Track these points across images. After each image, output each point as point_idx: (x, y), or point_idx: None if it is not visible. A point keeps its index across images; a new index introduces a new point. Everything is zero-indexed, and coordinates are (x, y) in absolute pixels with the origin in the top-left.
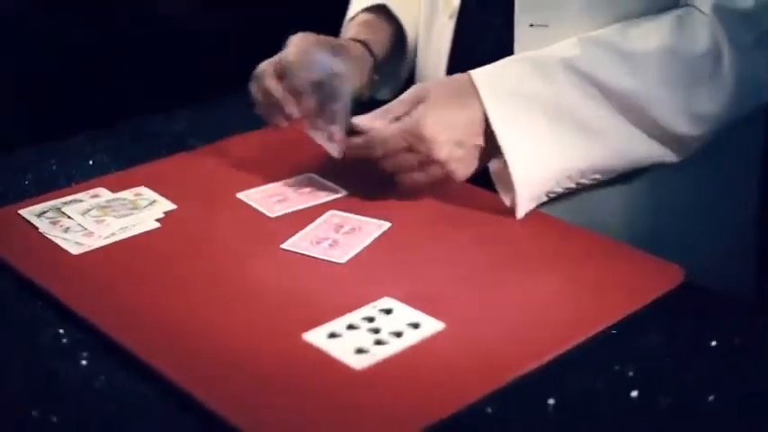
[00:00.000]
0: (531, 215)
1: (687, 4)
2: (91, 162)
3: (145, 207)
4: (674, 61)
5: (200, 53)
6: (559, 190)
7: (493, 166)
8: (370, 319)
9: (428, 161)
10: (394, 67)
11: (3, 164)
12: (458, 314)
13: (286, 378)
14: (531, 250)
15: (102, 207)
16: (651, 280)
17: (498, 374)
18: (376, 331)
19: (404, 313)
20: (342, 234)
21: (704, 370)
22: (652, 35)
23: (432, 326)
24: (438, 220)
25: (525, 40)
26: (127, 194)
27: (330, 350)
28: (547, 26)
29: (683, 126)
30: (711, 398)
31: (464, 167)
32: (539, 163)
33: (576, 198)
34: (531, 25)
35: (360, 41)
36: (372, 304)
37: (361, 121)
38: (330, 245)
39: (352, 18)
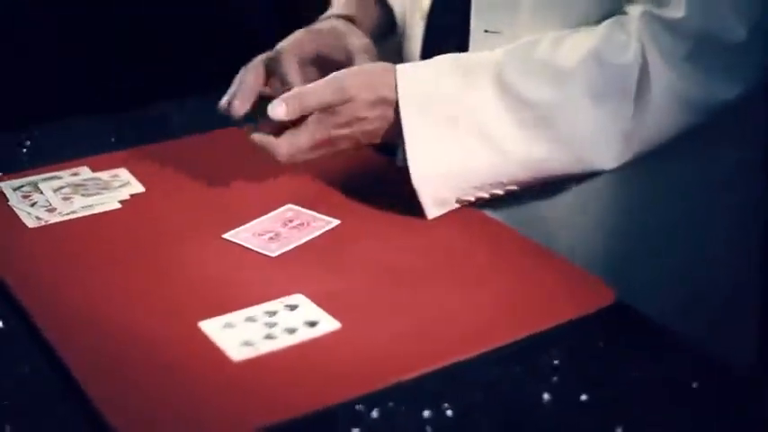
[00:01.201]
0: (483, 222)
1: (619, 13)
2: (113, 139)
3: (116, 188)
4: (598, 73)
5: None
6: (471, 198)
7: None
8: (272, 314)
9: (342, 101)
10: (388, 48)
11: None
12: (362, 315)
13: (163, 363)
14: (466, 257)
15: (75, 185)
16: (577, 297)
17: (375, 378)
18: (271, 326)
19: (306, 311)
20: (288, 228)
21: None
22: (581, 45)
23: (328, 325)
24: (391, 223)
25: (479, 46)
26: (103, 175)
27: (218, 340)
28: (500, 33)
29: (602, 142)
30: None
31: (373, 120)
32: (439, 165)
33: (530, 206)
34: (486, 31)
35: (349, 18)
36: (281, 299)
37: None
38: (271, 238)
39: None
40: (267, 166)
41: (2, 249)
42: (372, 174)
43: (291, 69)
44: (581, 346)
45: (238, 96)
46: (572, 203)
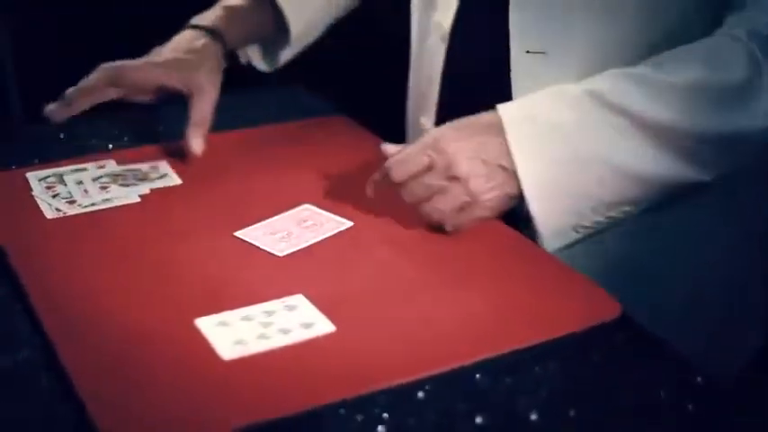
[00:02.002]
0: (496, 230)
1: (721, 34)
2: (161, 127)
3: (152, 179)
4: (709, 90)
5: None
6: (587, 224)
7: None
8: (270, 313)
9: (449, 178)
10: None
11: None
12: (359, 319)
13: (154, 359)
14: (474, 265)
15: (114, 175)
16: (582, 309)
17: (362, 383)
18: (266, 326)
19: (303, 312)
20: (300, 228)
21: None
22: (685, 66)
23: (322, 327)
24: (405, 227)
25: (522, 67)
26: (143, 166)
27: (211, 338)
28: (544, 53)
29: (716, 153)
30: None
31: (488, 190)
32: (559, 193)
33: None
34: (528, 52)
35: (205, 28)
36: (282, 299)
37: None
38: (282, 237)
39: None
40: (299, 165)
41: (17, 238)
42: None
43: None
44: (578, 360)
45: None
46: None
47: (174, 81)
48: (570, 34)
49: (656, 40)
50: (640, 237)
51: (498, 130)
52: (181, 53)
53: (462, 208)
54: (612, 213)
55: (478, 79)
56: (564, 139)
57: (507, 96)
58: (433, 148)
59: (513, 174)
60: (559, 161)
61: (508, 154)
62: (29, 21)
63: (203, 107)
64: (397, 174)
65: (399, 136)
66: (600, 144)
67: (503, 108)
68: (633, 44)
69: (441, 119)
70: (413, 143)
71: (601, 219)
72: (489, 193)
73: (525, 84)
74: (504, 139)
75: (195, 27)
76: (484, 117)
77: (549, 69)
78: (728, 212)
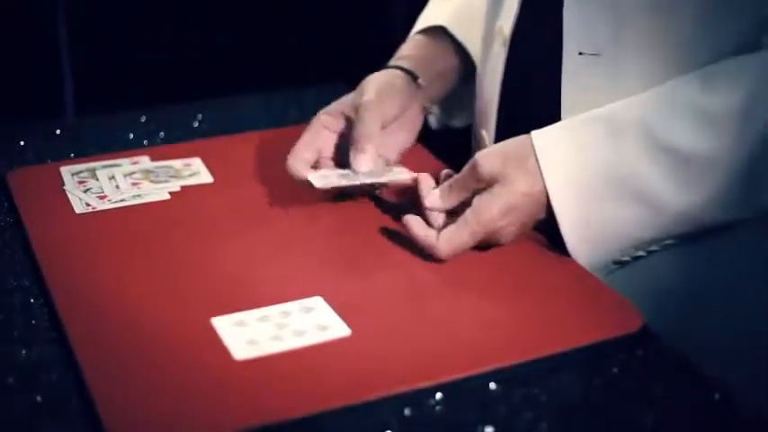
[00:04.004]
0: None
1: None
2: (197, 125)
3: (185, 177)
4: (759, 118)
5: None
6: (627, 258)
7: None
8: (287, 315)
9: (493, 242)
10: (467, 90)
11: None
12: (376, 324)
13: (167, 357)
14: (496, 271)
15: (146, 171)
16: (603, 320)
17: (372, 388)
18: (282, 327)
19: (320, 314)
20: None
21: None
22: (735, 88)
23: (338, 331)
24: None
25: (574, 69)
26: (176, 163)
27: (226, 337)
28: (597, 55)
29: (759, 188)
30: None
31: (520, 236)
32: (597, 235)
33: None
34: (581, 53)
35: (391, 66)
36: (300, 301)
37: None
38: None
39: (408, 40)
40: None
41: (45, 232)
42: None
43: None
44: (593, 372)
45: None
46: None
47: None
48: (624, 36)
49: (718, 47)
50: (692, 263)
51: (537, 176)
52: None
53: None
54: (654, 248)
55: (534, 84)
56: (605, 181)
57: (558, 100)
58: (481, 226)
59: (546, 219)
60: (599, 202)
61: (547, 207)
62: (87, 16)
63: (360, 126)
64: (444, 254)
65: (461, 142)
66: (640, 183)
67: (540, 148)
68: (692, 50)
69: (499, 129)
70: (456, 188)
71: (641, 253)
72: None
73: (576, 86)
74: (546, 195)
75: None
76: (523, 159)
77: (602, 72)
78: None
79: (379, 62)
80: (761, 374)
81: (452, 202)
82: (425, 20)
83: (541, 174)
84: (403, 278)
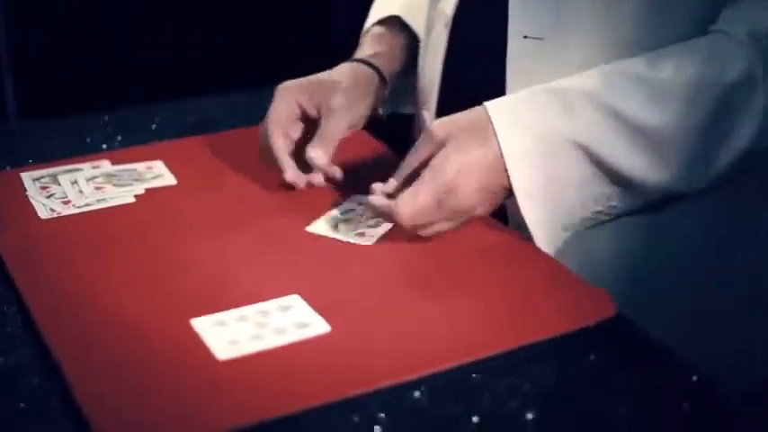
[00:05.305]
0: (491, 227)
1: (718, 30)
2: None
3: (148, 179)
4: (704, 93)
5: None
6: (576, 222)
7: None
8: (265, 314)
9: (455, 212)
10: (414, 78)
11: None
12: (355, 320)
13: (149, 359)
14: (469, 263)
15: (108, 175)
16: (577, 309)
17: (355, 384)
18: (262, 326)
19: (298, 312)
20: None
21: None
22: (681, 66)
23: (317, 328)
24: (400, 229)
25: (518, 52)
26: (138, 166)
27: (207, 338)
28: (541, 39)
29: (706, 160)
30: None
31: (489, 207)
32: (550, 197)
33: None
34: (525, 37)
35: (363, 61)
36: (277, 299)
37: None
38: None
39: (367, 32)
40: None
41: (12, 239)
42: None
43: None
44: (573, 359)
45: (288, 170)
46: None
47: (305, 103)
48: (568, 20)
49: (661, 34)
50: (638, 235)
51: (494, 141)
52: (320, 76)
53: (461, 224)
54: (600, 208)
55: (477, 66)
56: (557, 147)
57: (502, 83)
58: (439, 185)
59: (509, 187)
60: (552, 166)
61: (506, 171)
62: (24, 19)
63: (328, 126)
64: (405, 217)
65: (404, 129)
66: (592, 145)
67: (495, 115)
68: (635, 35)
69: (441, 111)
70: (411, 162)
71: (589, 215)
72: (490, 209)
73: (520, 70)
74: (502, 156)
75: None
76: (479, 126)
77: (546, 56)
78: (729, 214)
79: (333, 61)
80: (719, 344)
81: (408, 169)
82: (382, 9)
83: (496, 136)
84: (377, 274)
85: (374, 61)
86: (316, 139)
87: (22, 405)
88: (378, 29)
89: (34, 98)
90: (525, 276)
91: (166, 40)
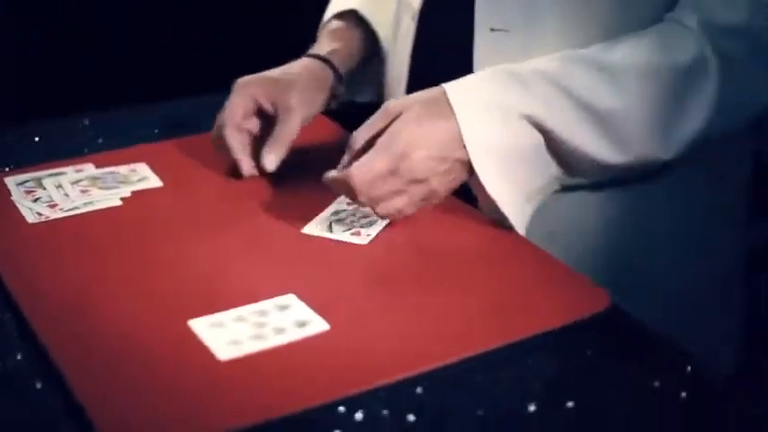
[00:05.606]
0: (481, 222)
1: (671, 19)
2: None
3: (133, 182)
4: (656, 78)
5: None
6: (535, 190)
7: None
8: (263, 313)
9: (410, 182)
10: (372, 69)
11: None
12: (352, 317)
13: (150, 360)
14: (461, 259)
15: (93, 178)
16: (571, 302)
17: (360, 380)
18: (261, 326)
19: (296, 311)
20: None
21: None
22: (634, 52)
23: (317, 326)
24: (390, 225)
25: (485, 45)
26: (122, 169)
27: (206, 339)
28: (507, 31)
29: (658, 144)
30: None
31: (447, 183)
32: (510, 172)
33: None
34: (492, 29)
35: (319, 57)
36: (273, 299)
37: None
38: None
39: (324, 26)
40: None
41: (1, 243)
42: None
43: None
44: (571, 352)
45: (243, 161)
46: (572, 209)
47: (261, 99)
48: (534, 13)
49: (627, 26)
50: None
51: (452, 118)
52: (277, 73)
53: (420, 201)
54: (556, 179)
55: (444, 58)
56: (511, 118)
57: (468, 73)
58: (393, 152)
59: (468, 162)
60: (507, 136)
61: (462, 145)
62: (24, 19)
63: (284, 126)
64: (359, 183)
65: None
66: (544, 119)
67: (453, 93)
68: (599, 28)
69: None
70: (362, 133)
71: (548, 184)
72: (448, 185)
73: (487, 62)
74: (458, 127)
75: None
76: (436, 104)
77: (513, 48)
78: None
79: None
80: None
81: (361, 141)
82: (341, 3)
83: (451, 107)
84: (372, 272)
85: (331, 57)
86: (271, 140)
87: (21, 410)
88: (335, 23)
89: (34, 98)
90: (519, 271)
91: (166, 40)
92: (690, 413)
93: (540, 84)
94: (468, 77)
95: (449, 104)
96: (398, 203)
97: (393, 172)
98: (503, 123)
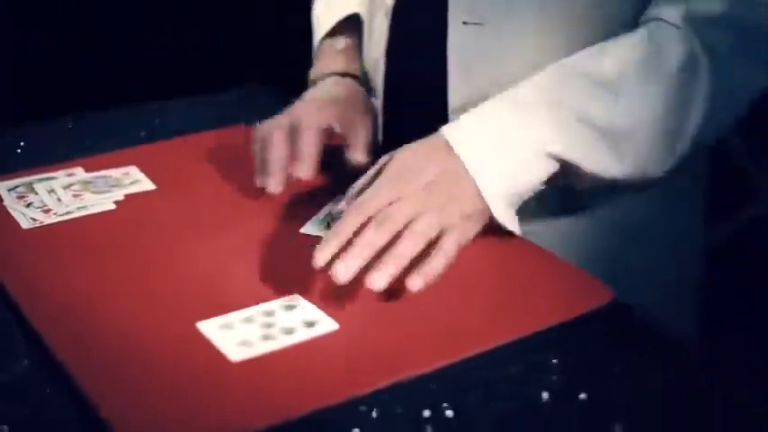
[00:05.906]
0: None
1: (655, 18)
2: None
3: (126, 185)
4: (649, 84)
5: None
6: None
7: None
8: (270, 314)
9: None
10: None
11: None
12: (359, 316)
13: (161, 364)
14: (464, 257)
15: (85, 182)
16: (574, 298)
17: (374, 378)
18: (269, 326)
19: (304, 311)
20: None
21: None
22: (625, 59)
23: (326, 325)
24: None
25: (458, 39)
26: (114, 172)
27: (216, 340)
28: (482, 24)
29: (660, 151)
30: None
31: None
32: (511, 185)
33: None
34: (465, 23)
35: (352, 76)
36: (279, 299)
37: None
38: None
39: (326, 39)
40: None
41: None
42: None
43: (312, 146)
44: (578, 346)
45: (274, 176)
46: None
47: (333, 124)
48: (509, 6)
49: (603, 21)
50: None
51: (451, 156)
52: (340, 94)
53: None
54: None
55: (419, 54)
56: (515, 141)
57: (444, 69)
58: (393, 169)
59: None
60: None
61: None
62: (24, 19)
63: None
64: (368, 211)
65: None
66: (566, 154)
67: (454, 139)
68: (575, 21)
69: (387, 98)
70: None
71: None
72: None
73: (461, 56)
74: (445, 137)
75: (330, 75)
76: (435, 145)
77: (486, 42)
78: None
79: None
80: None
81: (359, 187)
82: (340, 10)
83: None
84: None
85: (357, 74)
86: (355, 152)
87: (34, 415)
88: (340, 38)
89: (34, 98)
90: (521, 268)
91: (166, 40)
92: (694, 405)
93: (545, 112)
94: (469, 115)
95: (448, 146)
96: (411, 214)
97: (391, 181)
98: (505, 154)
